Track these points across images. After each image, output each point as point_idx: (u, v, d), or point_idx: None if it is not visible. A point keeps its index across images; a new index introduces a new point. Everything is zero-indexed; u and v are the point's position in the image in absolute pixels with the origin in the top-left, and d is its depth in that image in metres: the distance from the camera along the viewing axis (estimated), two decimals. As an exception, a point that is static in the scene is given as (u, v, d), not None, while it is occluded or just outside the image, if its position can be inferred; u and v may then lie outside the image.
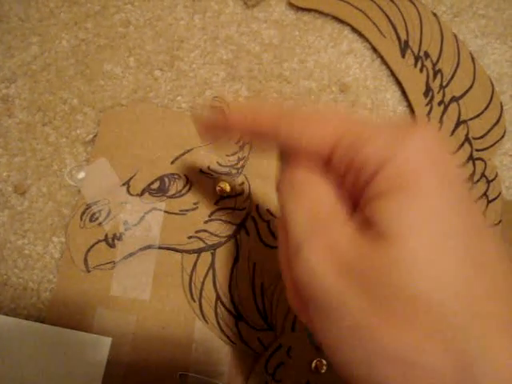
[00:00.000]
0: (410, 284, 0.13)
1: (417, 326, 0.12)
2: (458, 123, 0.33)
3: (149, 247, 0.28)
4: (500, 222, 0.32)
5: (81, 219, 0.28)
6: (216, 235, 0.29)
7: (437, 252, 0.13)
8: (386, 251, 0.13)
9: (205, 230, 0.29)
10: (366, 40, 0.34)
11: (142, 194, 0.29)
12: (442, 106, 0.33)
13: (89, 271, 0.28)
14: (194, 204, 0.29)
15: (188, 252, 0.29)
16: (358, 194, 0.15)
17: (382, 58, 0.34)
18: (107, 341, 0.27)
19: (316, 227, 0.15)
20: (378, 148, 0.14)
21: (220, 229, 0.29)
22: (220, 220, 0.29)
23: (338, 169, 0.15)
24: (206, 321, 0.28)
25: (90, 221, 0.28)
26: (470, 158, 0.33)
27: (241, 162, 0.30)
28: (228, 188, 0.29)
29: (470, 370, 0.12)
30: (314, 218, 0.15)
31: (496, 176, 0.33)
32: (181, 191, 0.29)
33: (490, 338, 0.12)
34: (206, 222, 0.29)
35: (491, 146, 0.33)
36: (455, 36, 0.34)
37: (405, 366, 0.13)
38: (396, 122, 0.15)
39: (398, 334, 0.13)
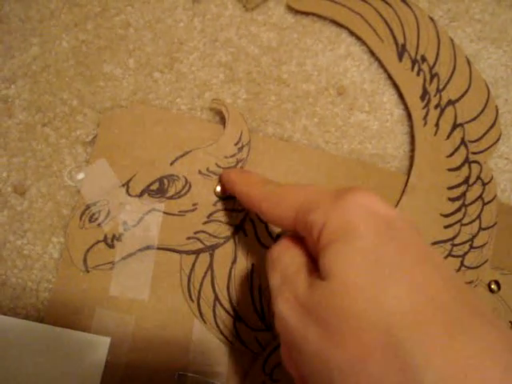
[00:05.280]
0: (348, 308, 0.16)
1: (361, 341, 0.15)
2: (454, 126, 0.34)
3: (148, 248, 0.29)
4: (495, 224, 0.33)
5: (80, 220, 0.28)
6: (214, 236, 0.29)
7: (371, 279, 0.16)
8: (328, 287, 0.16)
9: (203, 231, 0.29)
10: (364, 43, 0.34)
11: (141, 195, 0.29)
12: (439, 110, 0.34)
13: (88, 271, 0.28)
14: (193, 205, 0.29)
15: (187, 253, 0.29)
16: (316, 252, 0.19)
17: (379, 61, 0.34)
18: (106, 341, 0.27)
19: (284, 284, 0.19)
20: (319, 214, 0.18)
21: (218, 230, 0.29)
22: (218, 221, 0.29)
23: (301, 234, 0.20)
24: (204, 321, 0.28)
25: (90, 221, 0.28)
26: (466, 160, 0.33)
27: (239, 164, 0.30)
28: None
29: (413, 373, 0.14)
30: (284, 278, 0.19)
31: (491, 179, 0.34)
32: (180, 192, 0.29)
33: (430, 344, 0.14)
34: (204, 223, 0.29)
35: (487, 148, 0.34)
36: (452, 40, 0.35)
37: (355, 376, 0.15)
38: (337, 189, 0.19)
39: (346, 350, 0.15)
